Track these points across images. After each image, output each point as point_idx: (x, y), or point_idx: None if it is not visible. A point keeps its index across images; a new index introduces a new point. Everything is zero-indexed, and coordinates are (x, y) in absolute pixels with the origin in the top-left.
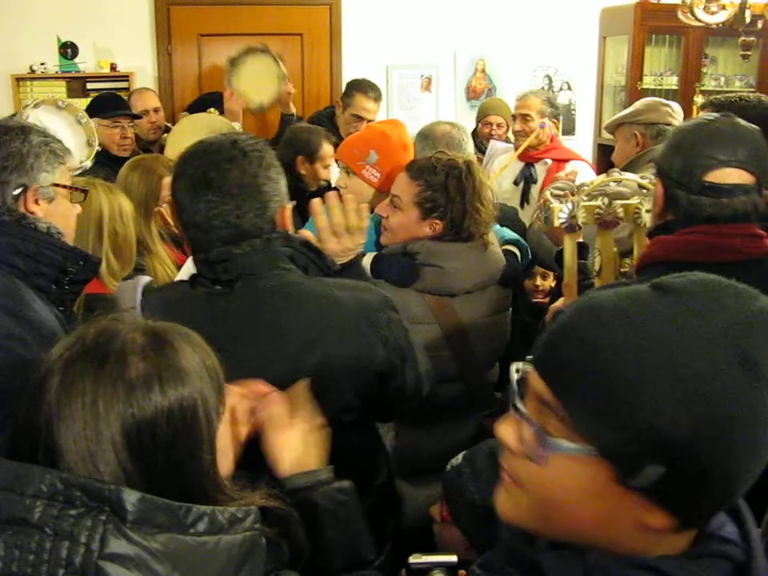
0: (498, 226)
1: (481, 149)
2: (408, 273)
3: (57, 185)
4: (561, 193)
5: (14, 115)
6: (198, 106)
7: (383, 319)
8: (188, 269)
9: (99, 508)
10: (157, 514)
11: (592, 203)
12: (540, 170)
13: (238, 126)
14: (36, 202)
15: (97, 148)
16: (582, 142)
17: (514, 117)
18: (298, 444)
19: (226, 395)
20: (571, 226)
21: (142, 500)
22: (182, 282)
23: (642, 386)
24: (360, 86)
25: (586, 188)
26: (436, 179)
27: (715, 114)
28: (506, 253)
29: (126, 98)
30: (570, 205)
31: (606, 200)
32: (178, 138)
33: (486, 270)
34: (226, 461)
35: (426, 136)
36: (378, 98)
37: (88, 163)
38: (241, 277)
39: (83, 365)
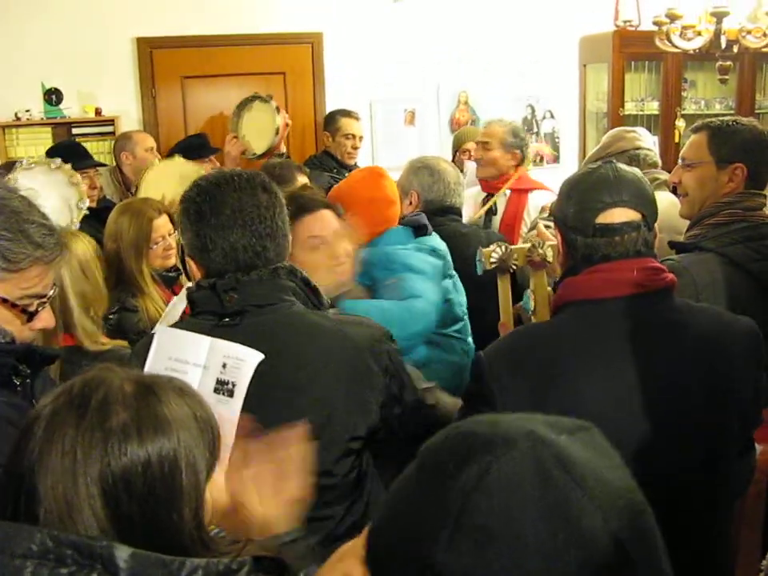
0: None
1: None
2: None
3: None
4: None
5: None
6: (185, 146)
7: (384, 350)
8: (174, 304)
9: (91, 566)
10: (150, 570)
11: (522, 246)
12: (500, 201)
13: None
14: None
15: (85, 211)
16: (567, 169)
17: (477, 144)
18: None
19: (220, 448)
20: (502, 269)
21: (134, 556)
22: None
23: None
24: (339, 112)
25: None
26: None
27: (599, 163)
28: None
29: (112, 141)
30: (501, 248)
31: (536, 241)
32: (151, 188)
33: None
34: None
35: (433, 171)
36: (358, 117)
37: (77, 224)
38: (246, 310)
39: (67, 413)
